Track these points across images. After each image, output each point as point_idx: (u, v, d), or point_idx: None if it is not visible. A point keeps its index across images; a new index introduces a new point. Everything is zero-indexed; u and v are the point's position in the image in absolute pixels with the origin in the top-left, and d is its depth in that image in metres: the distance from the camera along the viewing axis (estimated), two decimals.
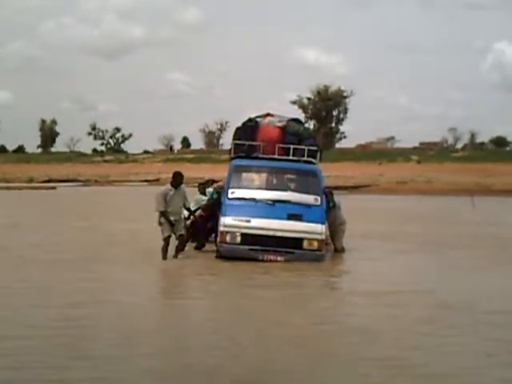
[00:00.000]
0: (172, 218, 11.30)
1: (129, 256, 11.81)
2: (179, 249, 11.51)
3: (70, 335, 6.35)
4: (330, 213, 12.31)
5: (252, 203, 11.80)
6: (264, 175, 12.58)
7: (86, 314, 7.29)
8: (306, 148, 12.70)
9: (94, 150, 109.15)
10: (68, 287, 8.78)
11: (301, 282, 9.77)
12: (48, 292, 8.48)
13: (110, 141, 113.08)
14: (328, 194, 12.40)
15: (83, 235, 15.30)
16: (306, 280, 9.96)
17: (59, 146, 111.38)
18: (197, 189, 14.03)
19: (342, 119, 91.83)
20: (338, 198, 13.00)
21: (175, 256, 11.41)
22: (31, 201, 30.40)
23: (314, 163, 12.76)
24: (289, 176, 12.70)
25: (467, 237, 16.17)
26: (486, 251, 13.56)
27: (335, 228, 12.71)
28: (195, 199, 13.09)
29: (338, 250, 12.85)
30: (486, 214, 24.02)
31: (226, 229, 11.44)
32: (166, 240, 11.36)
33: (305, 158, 12.66)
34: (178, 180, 11.57)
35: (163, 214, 11.31)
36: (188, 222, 11.97)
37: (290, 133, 12.86)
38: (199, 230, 12.49)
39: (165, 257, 11.28)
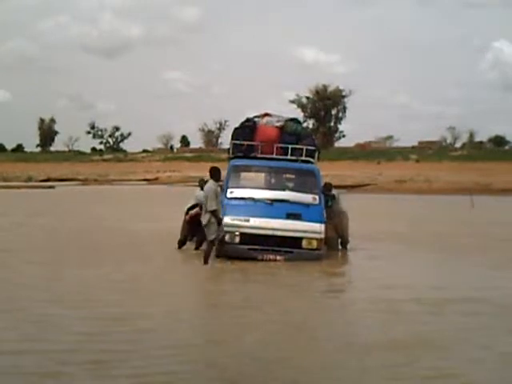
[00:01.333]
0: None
1: (157, 258, 11.68)
2: (215, 253, 11.15)
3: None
4: (333, 204, 12.56)
5: (251, 203, 11.82)
6: (262, 175, 12.62)
7: (133, 328, 6.74)
8: (305, 147, 12.74)
9: (93, 149, 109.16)
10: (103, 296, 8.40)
11: (348, 288, 9.61)
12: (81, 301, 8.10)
13: (109, 140, 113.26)
14: (327, 185, 12.66)
15: (107, 236, 14.99)
16: (351, 287, 9.85)
17: (58, 145, 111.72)
18: (194, 188, 13.99)
19: (341, 118, 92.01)
20: (337, 191, 13.13)
21: (206, 262, 10.94)
22: (33, 200, 30.34)
23: (312, 162, 12.81)
24: (287, 175, 12.74)
25: (474, 237, 16.18)
26: (502, 252, 13.47)
27: (339, 220, 12.84)
28: (195, 196, 12.82)
29: (344, 244, 13.01)
30: (486, 213, 24.05)
31: (224, 228, 11.44)
32: (213, 243, 11.01)
33: (303, 158, 12.71)
34: (219, 174, 11.24)
35: (214, 212, 10.91)
36: (187, 216, 11.81)
37: (288, 132, 12.89)
38: (197, 227, 12.39)
39: (207, 261, 10.94)
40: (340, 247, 13.16)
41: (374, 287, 9.34)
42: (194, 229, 12.44)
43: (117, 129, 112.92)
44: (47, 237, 14.89)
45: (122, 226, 17.29)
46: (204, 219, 11.00)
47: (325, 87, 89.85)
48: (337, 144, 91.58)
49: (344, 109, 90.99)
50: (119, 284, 9.26)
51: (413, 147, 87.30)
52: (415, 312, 7.76)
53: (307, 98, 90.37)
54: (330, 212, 12.54)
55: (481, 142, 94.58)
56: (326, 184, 12.93)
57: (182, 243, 12.64)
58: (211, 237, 11.02)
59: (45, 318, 7.11)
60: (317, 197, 12.02)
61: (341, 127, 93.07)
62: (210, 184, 11.10)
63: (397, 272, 10.83)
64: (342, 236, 13.06)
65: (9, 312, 7.42)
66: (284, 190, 12.21)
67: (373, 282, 9.80)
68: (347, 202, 13.67)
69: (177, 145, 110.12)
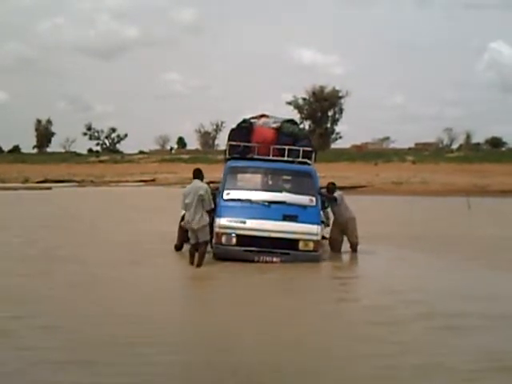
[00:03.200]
0: None
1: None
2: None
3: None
4: (334, 207, 12.56)
5: (247, 204, 11.80)
6: (259, 176, 12.59)
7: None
8: (301, 149, 12.73)
9: (90, 151, 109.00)
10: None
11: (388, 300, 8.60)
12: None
13: (106, 141, 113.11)
14: (330, 185, 12.72)
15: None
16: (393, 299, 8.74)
17: (55, 147, 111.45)
18: None
19: (338, 120, 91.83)
20: (340, 193, 13.02)
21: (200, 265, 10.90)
22: (32, 202, 30.24)
23: (308, 164, 12.79)
24: (284, 177, 12.74)
25: (474, 238, 16.16)
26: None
27: (344, 222, 12.81)
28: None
29: (353, 246, 12.96)
30: (483, 215, 24.08)
31: (221, 230, 11.42)
32: (207, 243, 11.14)
33: (300, 159, 12.70)
34: (202, 175, 11.32)
35: (211, 212, 11.12)
36: (182, 223, 11.81)
37: (285, 134, 12.87)
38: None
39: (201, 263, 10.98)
40: (348, 250, 13.10)
41: (425, 298, 8.69)
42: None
43: (113, 130, 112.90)
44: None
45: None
46: (206, 219, 10.88)
47: (321, 88, 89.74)
48: (333, 145, 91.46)
49: (341, 110, 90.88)
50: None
51: (409, 148, 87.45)
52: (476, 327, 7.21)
53: (304, 99, 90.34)
54: (335, 214, 12.63)
55: (478, 144, 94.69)
56: (328, 185, 12.90)
57: (178, 248, 12.65)
58: (207, 237, 11.04)
59: None
60: (314, 198, 12.00)
61: (337, 128, 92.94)
62: (201, 183, 11.08)
63: (431, 281, 10.27)
64: (349, 239, 13.01)
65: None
66: (281, 191, 12.18)
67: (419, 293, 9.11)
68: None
69: (173, 146, 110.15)
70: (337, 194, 12.83)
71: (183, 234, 12.19)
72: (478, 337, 6.84)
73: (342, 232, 12.97)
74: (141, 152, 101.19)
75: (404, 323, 7.36)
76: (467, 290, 9.45)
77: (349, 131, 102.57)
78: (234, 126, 13.22)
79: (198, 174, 11.15)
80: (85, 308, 7.76)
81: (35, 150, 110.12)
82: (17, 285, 9.13)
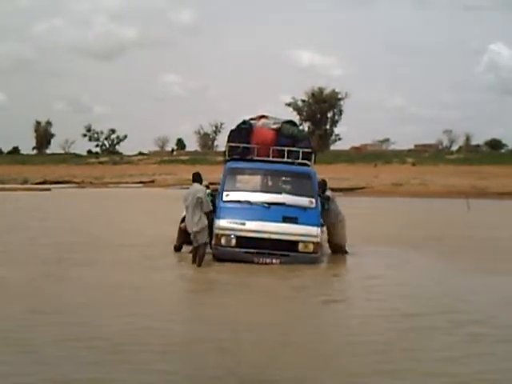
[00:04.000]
0: None
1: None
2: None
3: None
4: (326, 209, 12.43)
5: (247, 206, 11.76)
6: (259, 177, 12.54)
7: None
8: (301, 150, 12.69)
9: (89, 152, 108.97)
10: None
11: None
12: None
13: (105, 142, 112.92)
14: (320, 183, 12.56)
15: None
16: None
17: (54, 148, 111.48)
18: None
19: (337, 121, 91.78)
20: (332, 192, 12.97)
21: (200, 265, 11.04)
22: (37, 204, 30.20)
23: (308, 165, 12.75)
24: (283, 178, 12.72)
25: (471, 240, 16.15)
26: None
27: (333, 223, 12.74)
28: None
29: (341, 248, 12.89)
30: (482, 216, 24.08)
31: (221, 232, 11.39)
32: (206, 245, 11.22)
33: (299, 160, 12.66)
34: (201, 178, 11.50)
35: (210, 213, 11.18)
36: (182, 224, 11.82)
37: (285, 135, 12.83)
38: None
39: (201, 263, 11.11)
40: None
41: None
42: (188, 236, 12.44)
43: (113, 131, 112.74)
44: None
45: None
46: (204, 221, 10.93)
47: (321, 90, 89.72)
48: (333, 147, 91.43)
49: (340, 111, 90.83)
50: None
51: (409, 150, 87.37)
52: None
53: (303, 100, 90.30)
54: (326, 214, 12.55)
55: (477, 146, 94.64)
56: (319, 182, 12.81)
57: (178, 249, 12.69)
58: (207, 239, 11.09)
59: None
60: (313, 200, 11.95)
61: (337, 130, 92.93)
62: (200, 186, 11.16)
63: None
64: (338, 239, 12.94)
65: None
66: (280, 192, 12.14)
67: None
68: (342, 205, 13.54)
69: (174, 147, 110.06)
70: (328, 193, 12.77)
71: (182, 235, 12.19)
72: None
73: (331, 232, 12.90)
74: (140, 153, 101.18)
75: (427, 331, 7.08)
76: (480, 296, 9.30)
77: (348, 133, 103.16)
78: (233, 127, 13.17)
79: (196, 178, 11.31)
80: (94, 314, 7.63)
81: (34, 152, 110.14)
82: (32, 288, 9.08)
